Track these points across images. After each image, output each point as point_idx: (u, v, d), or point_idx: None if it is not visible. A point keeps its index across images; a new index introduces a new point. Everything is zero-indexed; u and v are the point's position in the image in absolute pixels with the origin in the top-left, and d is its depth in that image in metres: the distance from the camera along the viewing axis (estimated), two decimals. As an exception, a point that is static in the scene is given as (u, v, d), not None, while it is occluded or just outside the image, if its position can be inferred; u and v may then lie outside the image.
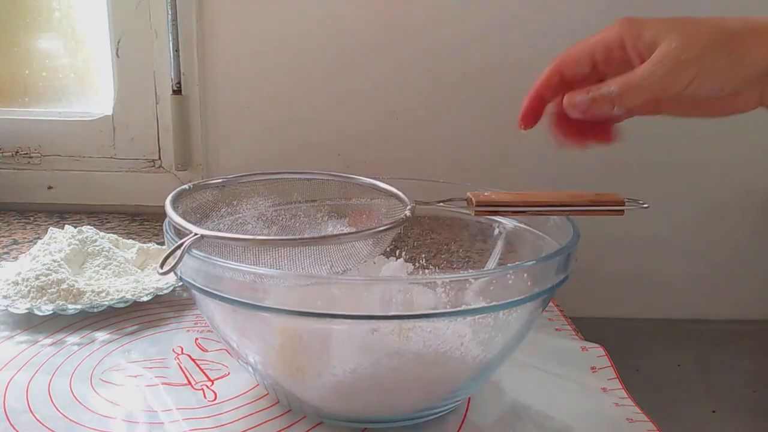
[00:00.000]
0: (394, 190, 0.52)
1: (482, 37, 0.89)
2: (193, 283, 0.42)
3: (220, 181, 0.54)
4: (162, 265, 0.40)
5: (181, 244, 0.41)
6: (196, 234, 0.42)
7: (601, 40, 0.43)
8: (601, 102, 0.41)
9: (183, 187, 0.51)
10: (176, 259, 0.40)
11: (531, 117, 0.47)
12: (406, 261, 0.59)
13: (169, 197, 0.48)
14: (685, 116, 0.45)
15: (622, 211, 0.50)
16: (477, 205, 0.49)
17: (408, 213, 0.48)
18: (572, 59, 0.45)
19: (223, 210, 0.54)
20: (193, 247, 0.41)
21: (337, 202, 0.56)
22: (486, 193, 0.49)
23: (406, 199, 0.50)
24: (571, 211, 0.49)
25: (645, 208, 0.50)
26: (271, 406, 0.48)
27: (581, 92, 0.42)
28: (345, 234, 0.47)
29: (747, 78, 0.41)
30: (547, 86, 0.46)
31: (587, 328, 0.63)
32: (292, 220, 0.57)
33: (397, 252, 0.60)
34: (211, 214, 0.53)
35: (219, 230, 0.52)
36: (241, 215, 0.55)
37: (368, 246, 0.47)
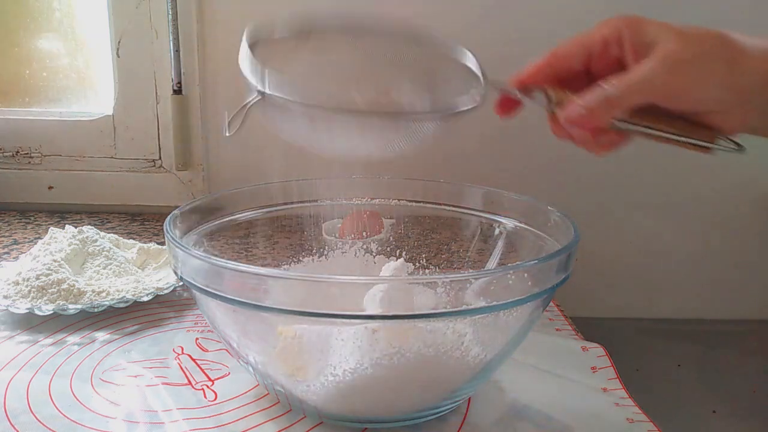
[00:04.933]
0: (472, 66, 0.45)
1: (484, 35, 0.88)
2: (193, 282, 0.42)
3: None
4: (229, 128, 0.39)
5: (245, 105, 0.40)
6: (259, 95, 0.41)
7: (599, 34, 0.41)
8: (598, 109, 0.39)
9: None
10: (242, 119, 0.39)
11: (508, 105, 0.45)
12: (406, 261, 0.59)
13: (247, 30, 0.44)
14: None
15: (710, 148, 0.43)
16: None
17: (478, 98, 0.43)
18: (567, 53, 0.42)
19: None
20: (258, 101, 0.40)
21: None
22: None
23: (481, 77, 0.44)
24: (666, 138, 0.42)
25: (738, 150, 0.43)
26: (272, 406, 0.48)
27: (574, 105, 0.40)
28: (419, 112, 0.43)
29: (739, 89, 0.39)
30: (534, 77, 0.43)
31: (587, 328, 0.63)
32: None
33: (398, 252, 0.60)
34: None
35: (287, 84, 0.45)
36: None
37: (434, 127, 0.44)
